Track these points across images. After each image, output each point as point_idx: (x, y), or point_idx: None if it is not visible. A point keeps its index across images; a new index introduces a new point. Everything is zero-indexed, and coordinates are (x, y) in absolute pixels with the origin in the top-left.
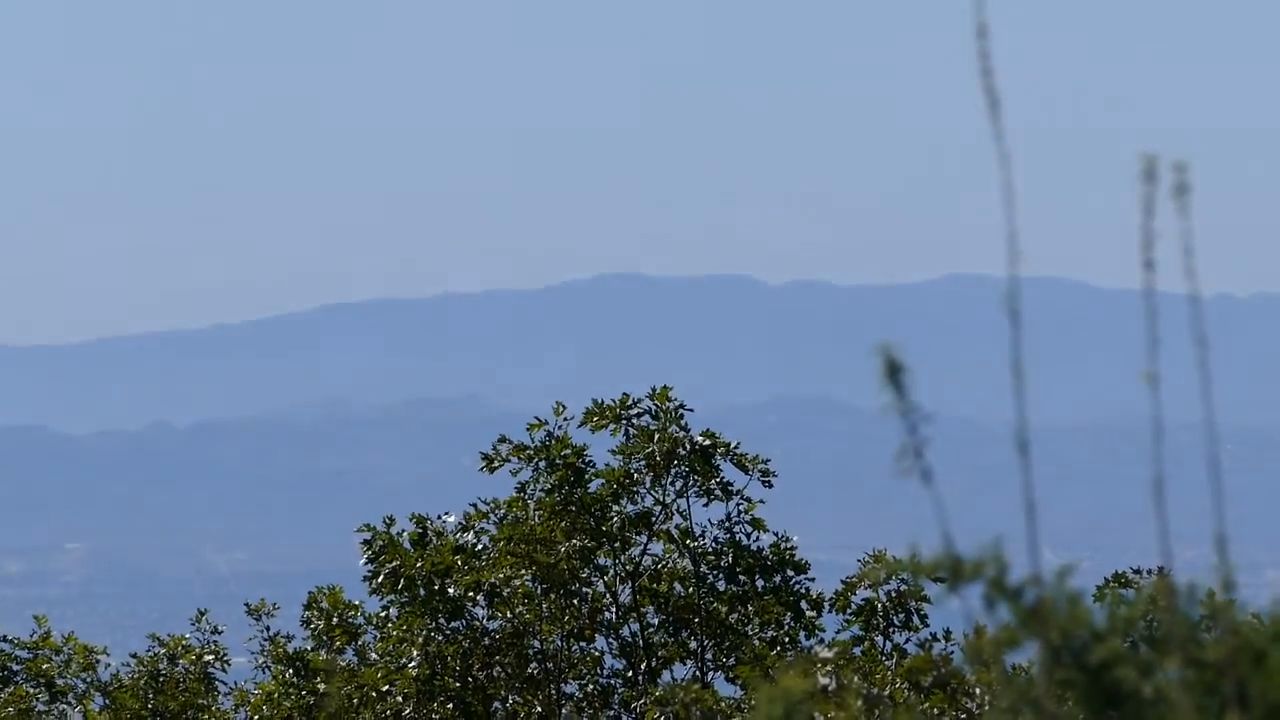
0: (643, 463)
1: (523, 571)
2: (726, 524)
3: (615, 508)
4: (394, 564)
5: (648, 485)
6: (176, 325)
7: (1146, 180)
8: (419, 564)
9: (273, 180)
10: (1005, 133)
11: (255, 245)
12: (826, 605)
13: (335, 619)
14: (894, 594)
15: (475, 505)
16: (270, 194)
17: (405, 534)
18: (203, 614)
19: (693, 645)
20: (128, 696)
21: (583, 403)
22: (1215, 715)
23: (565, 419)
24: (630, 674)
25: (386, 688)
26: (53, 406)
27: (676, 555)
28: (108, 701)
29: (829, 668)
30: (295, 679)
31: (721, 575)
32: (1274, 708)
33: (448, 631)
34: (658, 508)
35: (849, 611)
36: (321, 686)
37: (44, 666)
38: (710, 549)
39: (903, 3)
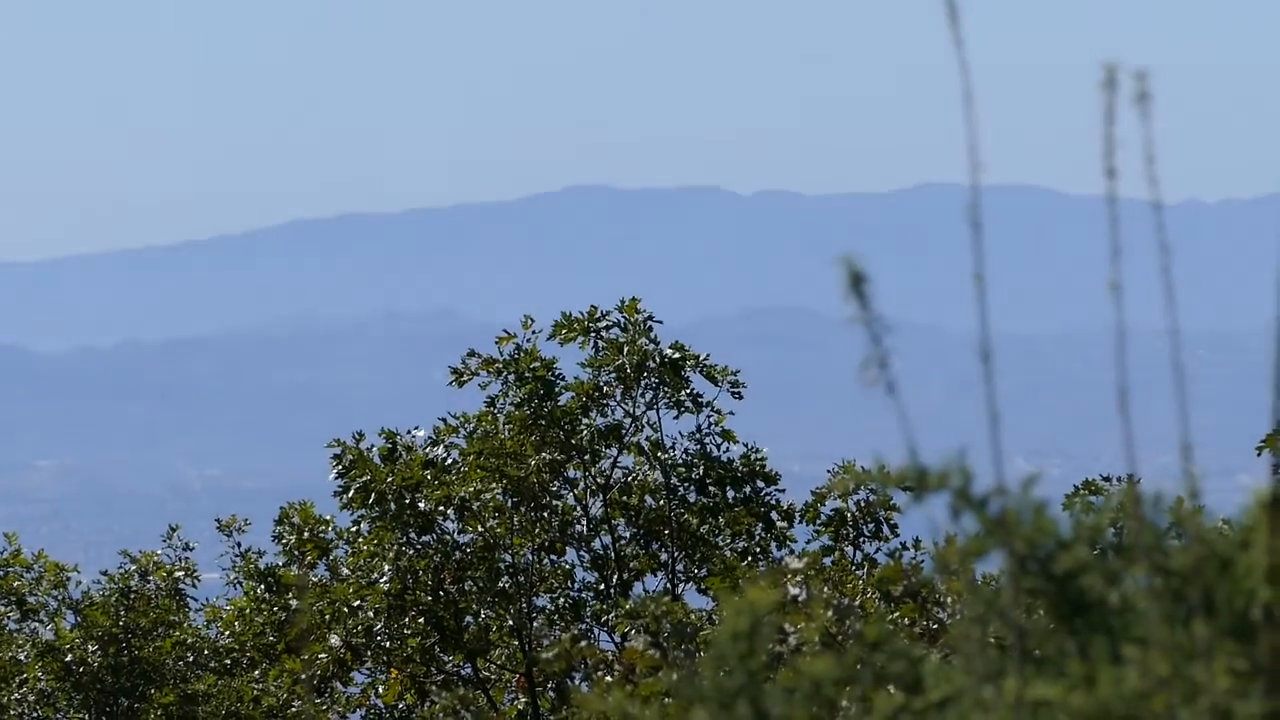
0: (612, 375)
1: (493, 485)
2: (697, 436)
3: (585, 421)
4: (364, 479)
5: (618, 398)
6: (146, 242)
7: (1107, 88)
8: (389, 479)
9: (241, 98)
10: (965, 40)
11: (224, 161)
12: (797, 516)
13: (306, 534)
14: (863, 504)
15: (445, 420)
16: (238, 111)
17: (375, 449)
18: (174, 530)
19: (664, 557)
20: (99, 614)
21: (554, 316)
22: (1182, 623)
23: (534, 332)
24: (602, 587)
25: (358, 603)
26: (23, 324)
27: (647, 467)
28: (79, 619)
29: (798, 578)
30: (267, 594)
31: (692, 487)
32: (1240, 615)
33: (419, 546)
34: (628, 420)
35: (819, 522)
36: (293, 602)
37: (15, 584)
38: (681, 461)
39: None
